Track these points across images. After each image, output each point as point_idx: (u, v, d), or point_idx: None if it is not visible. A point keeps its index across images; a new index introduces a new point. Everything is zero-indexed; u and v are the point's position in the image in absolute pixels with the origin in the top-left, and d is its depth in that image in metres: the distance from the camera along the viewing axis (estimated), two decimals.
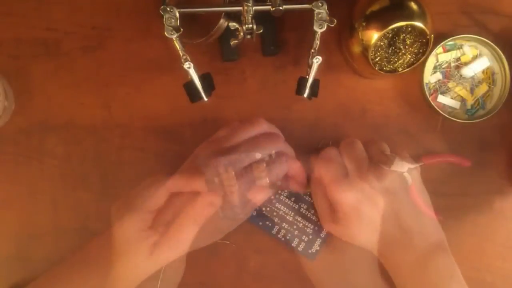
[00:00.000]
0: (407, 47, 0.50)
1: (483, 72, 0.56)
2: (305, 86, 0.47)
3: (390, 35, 0.50)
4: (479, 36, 0.54)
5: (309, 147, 0.56)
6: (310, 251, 0.53)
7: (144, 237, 0.42)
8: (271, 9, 0.45)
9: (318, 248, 0.52)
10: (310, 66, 0.46)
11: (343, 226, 0.46)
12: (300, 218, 0.52)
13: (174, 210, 0.44)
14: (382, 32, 0.48)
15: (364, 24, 0.49)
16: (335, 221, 0.46)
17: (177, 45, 0.44)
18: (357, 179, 0.47)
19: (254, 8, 0.45)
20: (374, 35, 0.48)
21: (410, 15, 0.48)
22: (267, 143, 0.45)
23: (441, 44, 0.54)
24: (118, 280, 0.43)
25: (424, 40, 0.50)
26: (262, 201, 0.44)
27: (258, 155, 0.40)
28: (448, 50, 0.56)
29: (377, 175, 0.48)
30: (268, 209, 0.51)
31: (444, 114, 0.53)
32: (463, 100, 0.56)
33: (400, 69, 0.52)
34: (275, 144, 0.46)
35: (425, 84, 0.54)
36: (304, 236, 0.53)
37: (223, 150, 0.44)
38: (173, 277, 0.45)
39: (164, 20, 0.43)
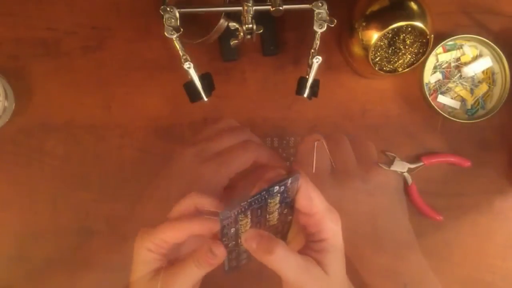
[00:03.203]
0: (407, 47, 0.50)
1: (483, 72, 0.56)
2: (305, 86, 0.47)
3: (390, 35, 0.50)
4: (479, 36, 0.54)
5: None
6: None
7: (151, 259, 0.41)
8: (271, 9, 0.45)
9: None
10: (310, 66, 0.46)
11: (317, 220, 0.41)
12: None
13: (189, 247, 0.42)
14: (382, 32, 0.48)
15: (364, 24, 0.49)
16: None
17: (177, 45, 0.44)
18: (343, 176, 0.46)
19: (254, 8, 0.45)
20: (374, 35, 0.48)
21: (410, 15, 0.48)
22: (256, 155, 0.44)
23: (441, 44, 0.54)
24: None
25: (424, 40, 0.50)
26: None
27: (276, 188, 0.39)
28: (448, 50, 0.56)
29: (363, 175, 0.47)
30: None
31: (444, 114, 0.53)
32: (463, 100, 0.56)
33: (400, 69, 0.52)
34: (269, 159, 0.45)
35: (425, 84, 0.54)
36: None
37: (217, 161, 0.43)
38: None
39: (164, 20, 0.43)
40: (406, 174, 0.55)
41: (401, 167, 0.55)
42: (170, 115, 0.56)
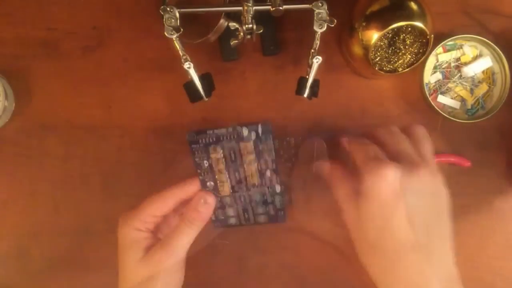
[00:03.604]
0: (407, 47, 0.50)
1: (483, 72, 0.56)
2: (305, 86, 0.47)
3: (390, 35, 0.50)
4: (479, 36, 0.54)
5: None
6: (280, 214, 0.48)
7: (141, 238, 0.42)
8: (271, 9, 0.45)
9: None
10: (310, 66, 0.46)
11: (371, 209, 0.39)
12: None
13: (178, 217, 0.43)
14: (382, 32, 0.48)
15: (364, 24, 0.49)
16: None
17: (177, 45, 0.44)
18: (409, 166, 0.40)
19: (254, 8, 0.45)
20: (374, 35, 0.48)
21: (410, 15, 0.48)
22: None
23: (441, 44, 0.54)
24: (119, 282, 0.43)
25: (424, 40, 0.50)
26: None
27: (245, 130, 0.39)
28: (448, 50, 0.56)
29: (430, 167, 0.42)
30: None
31: (444, 114, 0.53)
32: (463, 100, 0.56)
33: (400, 69, 0.52)
34: None
35: (425, 84, 0.54)
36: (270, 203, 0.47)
37: None
38: (170, 285, 0.43)
39: (164, 20, 0.43)
40: None
41: None
42: (170, 115, 0.56)
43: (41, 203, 0.55)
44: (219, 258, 0.55)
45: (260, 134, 0.40)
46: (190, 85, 0.45)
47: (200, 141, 0.39)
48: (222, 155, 0.40)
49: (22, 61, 0.55)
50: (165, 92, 0.56)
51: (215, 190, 0.42)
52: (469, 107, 0.56)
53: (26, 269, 0.54)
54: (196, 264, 0.54)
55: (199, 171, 0.41)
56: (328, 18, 0.45)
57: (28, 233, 0.55)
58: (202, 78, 0.45)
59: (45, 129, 0.55)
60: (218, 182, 0.42)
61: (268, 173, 0.42)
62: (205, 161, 0.40)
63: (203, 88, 0.45)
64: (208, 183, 0.42)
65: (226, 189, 0.43)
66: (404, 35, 0.50)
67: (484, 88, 0.56)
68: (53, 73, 0.55)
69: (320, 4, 0.44)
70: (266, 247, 0.55)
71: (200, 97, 0.45)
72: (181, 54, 0.44)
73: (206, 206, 0.41)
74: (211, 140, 0.39)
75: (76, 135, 0.55)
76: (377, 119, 0.57)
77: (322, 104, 0.56)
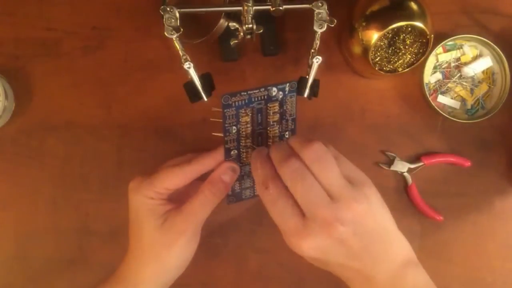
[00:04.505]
0: (407, 47, 0.50)
1: (483, 72, 0.56)
2: (305, 86, 0.46)
3: (390, 35, 0.50)
4: (479, 36, 0.54)
5: None
6: None
7: (156, 205, 0.41)
8: (271, 9, 0.45)
9: None
10: (310, 66, 0.46)
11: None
12: None
13: (195, 187, 0.43)
14: (382, 32, 0.48)
15: (364, 24, 0.49)
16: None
17: (177, 45, 0.44)
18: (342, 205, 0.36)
19: (254, 8, 0.45)
20: (374, 35, 0.48)
21: (410, 15, 0.48)
22: None
23: (441, 44, 0.54)
24: (132, 256, 0.42)
25: (424, 40, 0.50)
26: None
27: (274, 90, 0.39)
28: (448, 50, 0.56)
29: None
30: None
31: (444, 114, 0.53)
32: (463, 100, 0.56)
33: (400, 69, 0.52)
34: None
35: (425, 84, 0.54)
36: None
37: None
38: (186, 252, 0.43)
39: (164, 20, 0.43)
40: (406, 174, 0.55)
41: (401, 167, 0.55)
42: (170, 115, 0.56)
43: (41, 203, 0.55)
44: (219, 258, 0.55)
45: (287, 93, 0.40)
46: (190, 85, 0.45)
47: (233, 104, 0.39)
48: (250, 118, 0.40)
49: (22, 61, 0.55)
50: (165, 92, 0.56)
51: (238, 159, 0.42)
52: (469, 107, 0.56)
53: (26, 269, 0.54)
54: (196, 264, 0.54)
55: (226, 138, 0.40)
56: (328, 18, 0.45)
57: (28, 233, 0.55)
58: (202, 78, 0.45)
59: (45, 129, 0.55)
60: (241, 148, 0.42)
61: (287, 135, 0.43)
62: (234, 127, 0.40)
63: (203, 88, 0.45)
64: (232, 152, 0.41)
65: (248, 156, 0.43)
66: (404, 35, 0.50)
67: (484, 88, 0.56)
68: (53, 73, 0.55)
69: (320, 4, 0.44)
70: (266, 247, 0.55)
71: (200, 97, 0.45)
72: (181, 54, 0.44)
73: (231, 175, 0.41)
74: (243, 103, 0.39)
75: (76, 135, 0.55)
76: (377, 119, 0.57)
77: (322, 104, 0.56)
